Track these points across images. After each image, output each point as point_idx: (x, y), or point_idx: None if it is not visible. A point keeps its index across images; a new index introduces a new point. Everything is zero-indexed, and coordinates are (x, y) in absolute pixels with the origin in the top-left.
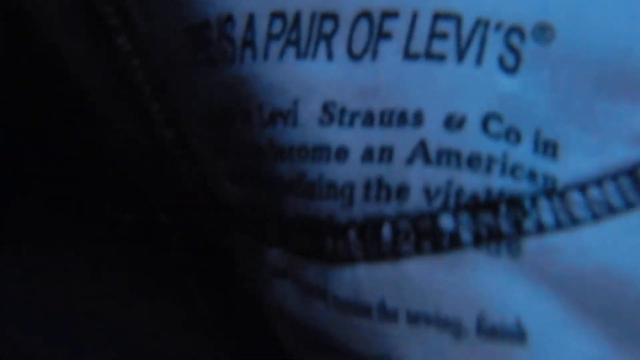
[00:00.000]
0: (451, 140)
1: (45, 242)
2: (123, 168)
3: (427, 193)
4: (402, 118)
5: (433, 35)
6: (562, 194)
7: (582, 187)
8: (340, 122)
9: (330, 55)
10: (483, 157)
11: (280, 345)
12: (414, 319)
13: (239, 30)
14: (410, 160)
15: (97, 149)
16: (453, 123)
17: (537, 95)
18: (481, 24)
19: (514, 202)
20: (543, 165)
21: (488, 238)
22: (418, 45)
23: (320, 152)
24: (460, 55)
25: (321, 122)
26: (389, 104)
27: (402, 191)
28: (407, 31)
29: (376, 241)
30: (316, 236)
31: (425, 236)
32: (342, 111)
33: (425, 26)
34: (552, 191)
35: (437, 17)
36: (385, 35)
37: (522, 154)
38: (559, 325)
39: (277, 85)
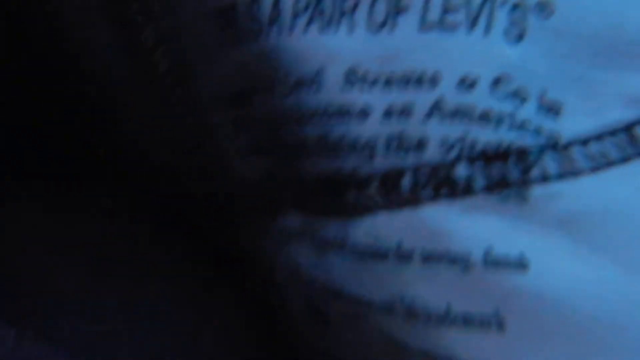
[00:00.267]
0: (464, 99)
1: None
2: (144, 154)
3: (444, 145)
4: (420, 80)
5: (446, 7)
6: (565, 147)
7: (583, 142)
8: (362, 86)
9: (351, 28)
10: (493, 113)
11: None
12: (427, 257)
13: (265, 9)
14: (428, 116)
15: (118, 136)
16: (466, 84)
17: (538, 64)
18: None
19: (522, 153)
20: (547, 123)
21: (498, 185)
22: (433, 16)
23: (343, 112)
24: (471, 25)
25: (344, 87)
26: (407, 68)
27: (421, 144)
28: (422, 4)
29: (396, 190)
30: (338, 192)
31: (442, 183)
32: (364, 77)
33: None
34: (555, 145)
35: None
36: (403, 9)
37: (529, 112)
38: (560, 254)
39: (302, 55)
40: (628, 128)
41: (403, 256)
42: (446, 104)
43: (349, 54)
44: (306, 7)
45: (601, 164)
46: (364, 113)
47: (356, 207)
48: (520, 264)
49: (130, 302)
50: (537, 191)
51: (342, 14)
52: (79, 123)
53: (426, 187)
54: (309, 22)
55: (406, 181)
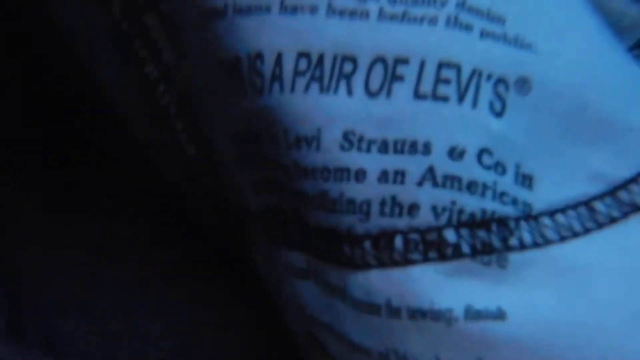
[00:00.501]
0: (454, 168)
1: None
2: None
3: (435, 210)
4: (413, 147)
5: (438, 80)
6: (536, 218)
7: (551, 214)
8: (359, 148)
9: (350, 92)
10: (479, 183)
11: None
12: (413, 314)
13: (268, 67)
14: (420, 183)
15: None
16: (455, 154)
17: (517, 136)
18: (476, 74)
19: (502, 223)
20: (522, 194)
21: (482, 251)
22: (426, 87)
23: (341, 173)
24: (460, 98)
25: (342, 148)
26: (402, 134)
27: (413, 208)
28: (416, 75)
29: (388, 250)
30: (335, 244)
31: (431, 247)
32: (361, 139)
33: (431, 72)
34: (529, 216)
35: (441, 65)
36: (398, 78)
37: (507, 183)
38: (535, 305)
39: (302, 114)
40: (588, 202)
41: (392, 312)
42: (437, 172)
43: (347, 116)
44: (306, 69)
45: (567, 235)
46: (361, 174)
47: (352, 261)
48: (498, 315)
49: (130, 301)
50: (515, 257)
51: (340, 78)
52: (84, 126)
53: (416, 250)
54: (309, 83)
55: (398, 243)
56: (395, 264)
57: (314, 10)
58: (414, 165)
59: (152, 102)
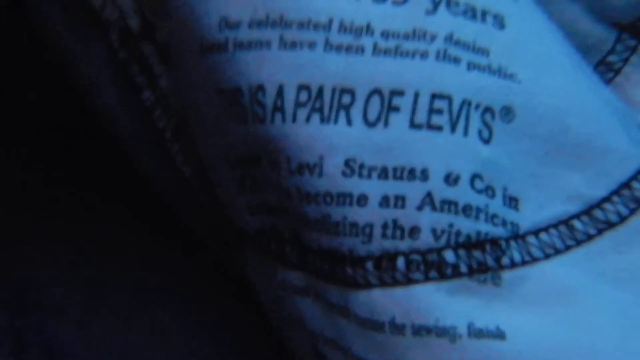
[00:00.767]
0: (450, 193)
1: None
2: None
3: (434, 233)
4: (412, 173)
5: (432, 110)
6: (523, 237)
7: (535, 233)
8: (360, 175)
9: (349, 121)
10: (473, 207)
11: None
12: (417, 331)
13: (269, 98)
14: (420, 207)
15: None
16: (451, 179)
17: (503, 161)
18: (465, 104)
19: (495, 243)
20: (510, 215)
21: (478, 270)
22: (421, 117)
23: (344, 198)
24: (453, 127)
25: (344, 174)
26: (400, 161)
27: (414, 231)
28: (411, 106)
29: (390, 271)
30: (336, 265)
31: (432, 267)
32: (361, 166)
33: (425, 103)
34: (517, 235)
35: (434, 96)
36: (394, 108)
37: (497, 205)
38: (530, 324)
39: (305, 143)
40: (567, 221)
41: (396, 329)
42: (435, 197)
43: (348, 145)
44: (307, 101)
45: (550, 253)
46: (362, 199)
47: (354, 281)
48: (498, 335)
49: (129, 309)
50: (508, 275)
51: (340, 109)
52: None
53: (418, 270)
54: (310, 114)
55: (399, 264)
56: (397, 283)
57: (312, 45)
58: (413, 191)
59: (148, 126)
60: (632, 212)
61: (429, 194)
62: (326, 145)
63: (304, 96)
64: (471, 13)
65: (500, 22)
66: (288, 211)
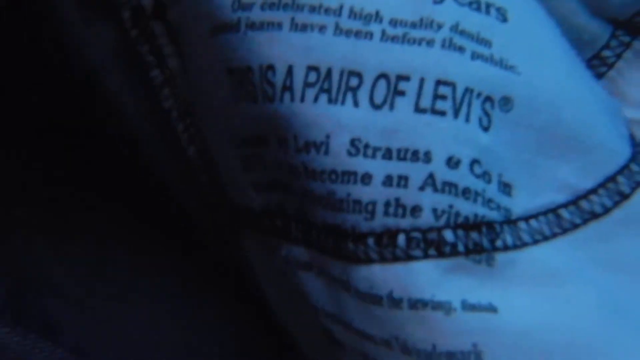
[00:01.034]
0: (451, 176)
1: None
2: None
3: (435, 213)
4: (415, 155)
5: (436, 96)
6: (515, 223)
7: (526, 219)
8: (365, 154)
9: (356, 103)
10: (471, 190)
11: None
12: (414, 305)
13: (279, 77)
14: (422, 188)
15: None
16: (452, 163)
17: (500, 149)
18: (468, 91)
19: (490, 226)
20: (504, 201)
21: (474, 251)
22: (426, 102)
23: (349, 176)
24: (456, 113)
25: (349, 153)
26: (404, 143)
27: (416, 210)
28: (417, 91)
29: (391, 247)
30: (339, 240)
31: (432, 245)
32: (366, 146)
33: (430, 89)
34: (509, 220)
35: (438, 82)
36: (400, 93)
37: (492, 191)
38: (522, 300)
39: (312, 121)
40: (555, 210)
41: (394, 302)
42: (437, 178)
43: (354, 125)
44: (316, 81)
45: (539, 239)
46: (367, 178)
47: (355, 256)
48: (490, 309)
49: (127, 293)
50: (501, 257)
51: (347, 90)
52: (84, 129)
53: (418, 247)
54: (318, 94)
55: (400, 241)
56: (396, 259)
57: (322, 29)
58: (416, 172)
59: (156, 105)
60: (615, 204)
61: (431, 175)
62: (333, 125)
63: (312, 77)
64: (476, 5)
65: (503, 15)
66: (294, 188)
